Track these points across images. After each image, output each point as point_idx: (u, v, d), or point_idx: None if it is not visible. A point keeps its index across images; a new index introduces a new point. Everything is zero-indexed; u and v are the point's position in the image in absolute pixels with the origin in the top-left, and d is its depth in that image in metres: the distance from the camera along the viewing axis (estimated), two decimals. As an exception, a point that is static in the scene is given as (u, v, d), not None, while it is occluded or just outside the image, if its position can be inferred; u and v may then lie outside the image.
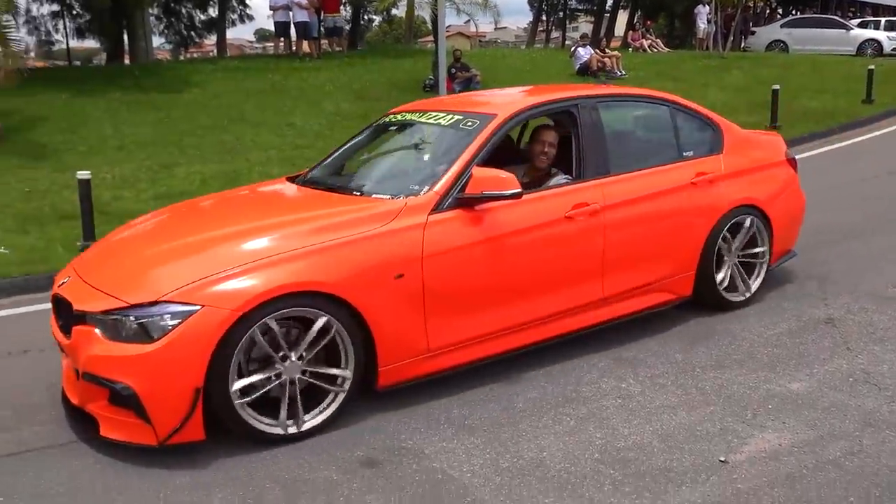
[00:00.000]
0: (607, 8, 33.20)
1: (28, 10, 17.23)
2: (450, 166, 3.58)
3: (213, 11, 21.33)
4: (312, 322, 3.05)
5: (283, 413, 3.06)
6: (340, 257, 3.16)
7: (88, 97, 12.67)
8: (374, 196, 3.61)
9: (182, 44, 22.40)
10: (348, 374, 3.17)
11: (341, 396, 3.18)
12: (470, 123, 3.84)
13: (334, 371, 3.16)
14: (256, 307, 2.93)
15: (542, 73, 16.46)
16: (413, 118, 4.35)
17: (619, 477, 2.75)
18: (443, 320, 3.45)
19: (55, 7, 17.10)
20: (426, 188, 3.51)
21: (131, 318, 2.88)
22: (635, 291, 4.14)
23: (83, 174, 6.53)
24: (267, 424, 3.03)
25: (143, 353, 2.84)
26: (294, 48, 16.89)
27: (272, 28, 17.90)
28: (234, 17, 21.84)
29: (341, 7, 18.95)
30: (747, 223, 4.48)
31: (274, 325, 2.98)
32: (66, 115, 11.51)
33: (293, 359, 3.07)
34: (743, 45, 21.80)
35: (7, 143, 9.98)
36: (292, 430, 3.08)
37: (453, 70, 14.03)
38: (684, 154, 4.45)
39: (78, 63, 24.23)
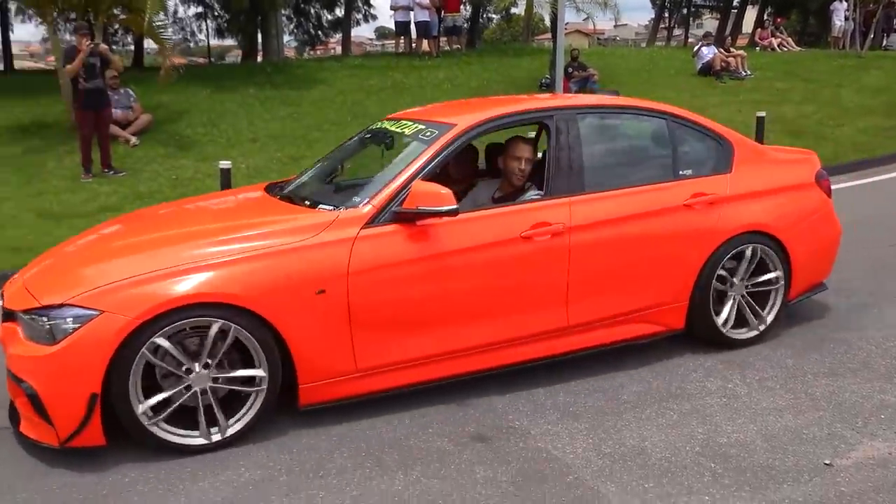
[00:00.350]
0: (734, 5, 31.87)
1: (175, 12, 18.88)
2: (394, 179, 3.41)
3: (339, 11, 22.36)
4: (224, 331, 3.01)
5: (202, 424, 3.03)
6: (254, 269, 3.07)
7: (227, 93, 13.64)
8: (318, 207, 3.49)
9: (309, 42, 23.57)
10: (262, 372, 3.08)
11: (262, 396, 3.11)
12: (429, 134, 3.66)
13: (249, 372, 3.10)
14: (157, 316, 2.88)
15: (661, 72, 16.13)
16: (389, 127, 4.12)
17: (719, 470, 2.84)
18: (373, 340, 3.30)
19: (199, 9, 18.61)
20: (365, 200, 3.36)
21: (43, 318, 2.90)
22: (610, 321, 3.82)
23: (224, 164, 7.14)
24: (181, 436, 3.02)
25: (45, 355, 2.86)
26: (413, 46, 17.42)
27: (392, 26, 18.49)
28: (359, 16, 22.80)
29: (461, 6, 19.30)
30: (750, 252, 4.01)
31: (169, 341, 2.95)
32: (207, 110, 12.47)
33: (197, 370, 3.02)
34: (884, 43, 20.38)
35: (156, 135, 10.97)
36: (216, 437, 3.06)
37: (570, 69, 14.05)
38: (680, 173, 4.03)
39: (212, 60, 26.10)
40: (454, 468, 2.91)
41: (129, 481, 2.85)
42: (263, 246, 3.15)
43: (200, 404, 3.03)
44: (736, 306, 4.06)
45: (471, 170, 4.56)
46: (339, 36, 23.83)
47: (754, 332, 4.10)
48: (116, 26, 11.10)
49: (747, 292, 4.09)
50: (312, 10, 22.45)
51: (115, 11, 10.59)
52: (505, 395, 3.55)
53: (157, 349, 2.93)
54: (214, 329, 2.97)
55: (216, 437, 3.07)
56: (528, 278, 3.56)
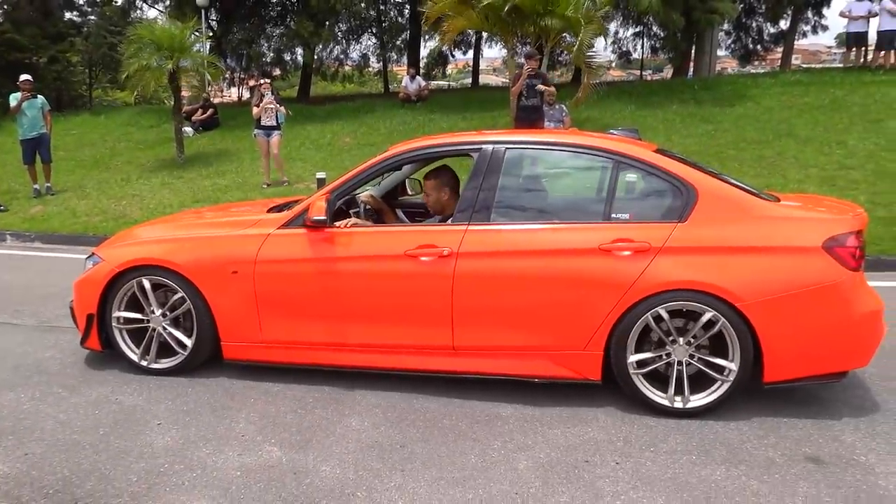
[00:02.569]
0: None
1: (616, 33, 20.31)
2: (315, 193, 4.17)
3: (784, 24, 21.16)
4: (175, 290, 4.15)
5: (141, 351, 4.26)
6: (195, 247, 4.16)
7: (651, 109, 14.31)
8: (270, 214, 4.37)
9: (747, 57, 22.82)
10: (178, 334, 4.22)
11: (191, 349, 4.18)
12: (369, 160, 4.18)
13: (177, 333, 4.23)
14: (128, 268, 4.17)
15: None
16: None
17: None
18: (274, 319, 4.03)
19: (638, 29, 19.73)
20: (291, 208, 4.19)
21: (87, 261, 4.49)
22: (502, 352, 3.79)
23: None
24: (135, 354, 4.28)
25: (75, 282, 4.38)
26: (869, 60, 15.65)
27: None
28: (807, 28, 21.20)
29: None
30: (701, 311, 3.47)
31: (147, 285, 4.19)
32: (629, 125, 13.30)
33: (156, 313, 4.23)
34: None
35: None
36: (145, 363, 4.26)
37: None
38: (613, 216, 3.70)
39: (649, 72, 27.05)
40: (779, 478, 3.04)
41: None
42: (209, 234, 4.31)
43: (154, 336, 4.30)
44: (675, 372, 3.60)
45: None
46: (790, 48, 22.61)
47: (676, 405, 3.60)
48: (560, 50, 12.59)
49: (692, 361, 3.60)
50: (754, 24, 21.74)
51: (563, 36, 12.05)
52: (858, 429, 3.45)
53: (138, 285, 4.22)
54: (170, 287, 4.20)
55: (154, 364, 4.32)
56: (411, 293, 3.82)
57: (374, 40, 23.04)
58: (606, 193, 3.78)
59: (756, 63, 25.06)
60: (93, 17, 25.24)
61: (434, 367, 3.91)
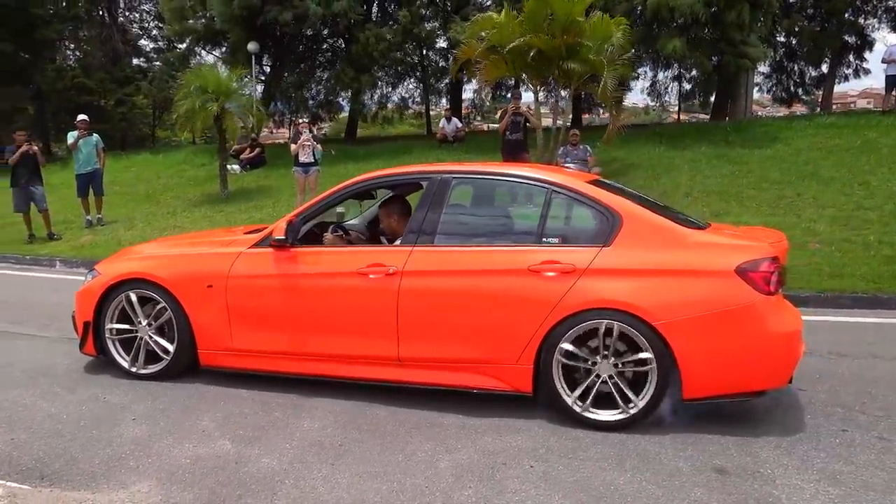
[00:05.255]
0: None
1: (655, 76, 20.63)
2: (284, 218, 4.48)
3: (825, 67, 21.01)
4: (157, 301, 4.60)
5: (131, 358, 4.69)
6: (176, 264, 4.66)
7: (680, 150, 14.44)
8: (246, 237, 4.76)
9: (786, 100, 22.68)
10: (163, 342, 4.64)
11: (172, 356, 4.60)
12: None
13: (163, 341, 4.64)
14: (120, 281, 4.67)
15: None
16: None
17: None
18: (243, 329, 4.43)
19: (670, 72, 19.99)
20: (263, 230, 4.60)
21: (87, 274, 5.06)
22: (442, 364, 4.08)
23: None
24: (126, 360, 4.70)
25: (76, 293, 4.90)
26: (907, 103, 15.43)
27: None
28: (848, 71, 20.98)
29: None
30: (612, 330, 3.73)
31: (134, 298, 4.64)
32: (654, 165, 13.47)
33: (143, 324, 4.64)
34: None
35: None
36: (134, 369, 4.68)
37: None
38: (544, 240, 4.03)
39: (689, 115, 27.10)
40: (677, 483, 3.23)
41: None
42: (192, 251, 4.88)
43: (142, 346, 4.69)
44: (597, 385, 3.82)
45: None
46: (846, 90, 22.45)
47: (623, 416, 3.79)
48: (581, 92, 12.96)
49: (617, 373, 3.80)
50: (795, 67, 21.64)
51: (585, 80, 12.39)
52: (778, 447, 3.59)
53: (126, 299, 4.69)
54: (153, 300, 4.63)
55: (134, 369, 4.72)
56: (361, 308, 4.18)
57: (415, 84, 23.90)
58: (539, 219, 4.10)
59: (798, 106, 24.85)
60: (158, 63, 27.00)
61: (382, 377, 4.23)
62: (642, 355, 3.74)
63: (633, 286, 3.77)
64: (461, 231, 4.31)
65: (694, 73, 19.42)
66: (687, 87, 21.17)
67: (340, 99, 22.82)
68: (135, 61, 28.70)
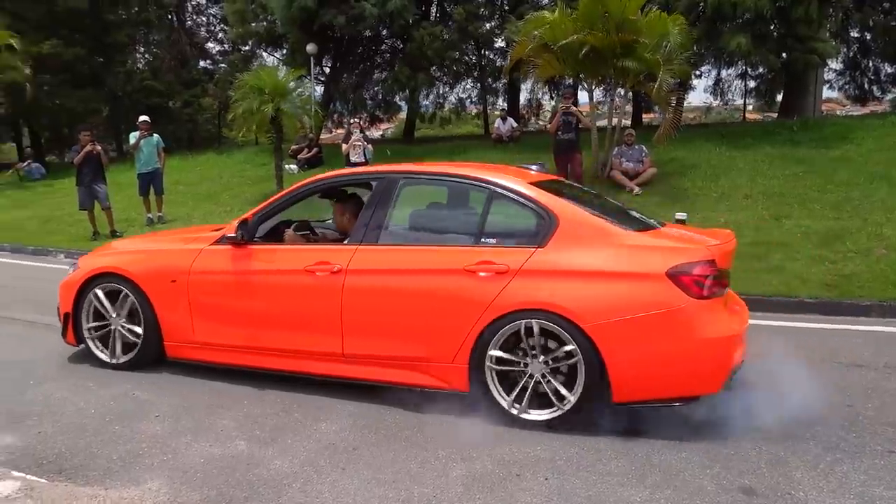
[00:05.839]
0: None
1: (718, 75, 19.88)
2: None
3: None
4: (122, 292, 4.82)
5: (111, 349, 4.89)
6: (145, 259, 4.89)
7: (741, 150, 13.89)
8: (210, 234, 4.92)
9: (860, 98, 21.51)
10: (139, 330, 4.79)
11: (140, 347, 4.81)
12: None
13: (136, 328, 4.80)
14: (93, 276, 4.89)
15: None
16: None
17: None
18: (203, 322, 4.60)
19: (734, 70, 19.26)
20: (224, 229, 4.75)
21: (70, 267, 5.30)
22: (383, 361, 4.16)
23: (680, 215, 7.69)
24: (105, 354, 4.92)
25: (59, 284, 5.12)
26: None
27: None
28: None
29: None
30: (538, 329, 3.74)
31: (101, 294, 4.87)
32: (714, 165, 12.98)
33: (114, 315, 4.86)
34: None
35: (658, 187, 12.06)
36: (114, 361, 4.89)
37: None
38: (483, 240, 4.07)
39: (757, 113, 26.05)
40: (699, 502, 3.04)
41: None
42: (160, 247, 5.16)
43: (116, 337, 4.90)
44: (532, 385, 3.80)
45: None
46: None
47: (555, 414, 3.77)
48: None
49: (549, 373, 3.78)
50: (871, 64, 20.50)
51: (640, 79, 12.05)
52: (815, 467, 3.35)
53: (95, 297, 4.91)
54: (124, 293, 4.83)
55: (114, 361, 4.91)
56: (308, 305, 4.29)
57: (472, 84, 23.76)
58: (479, 219, 4.16)
59: (878, 105, 23.57)
60: (223, 65, 27.79)
61: (329, 373, 4.33)
62: (571, 358, 3.72)
63: (564, 287, 3.76)
64: (405, 230, 4.45)
65: (760, 70, 18.67)
66: (752, 85, 20.40)
67: (398, 99, 22.89)
68: (201, 64, 29.62)
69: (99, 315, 4.96)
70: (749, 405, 3.92)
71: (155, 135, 12.80)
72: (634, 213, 4.52)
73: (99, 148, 11.69)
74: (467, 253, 4.02)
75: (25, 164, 22.04)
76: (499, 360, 3.86)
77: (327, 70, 22.92)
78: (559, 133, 11.34)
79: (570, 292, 3.73)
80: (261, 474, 3.33)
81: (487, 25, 20.22)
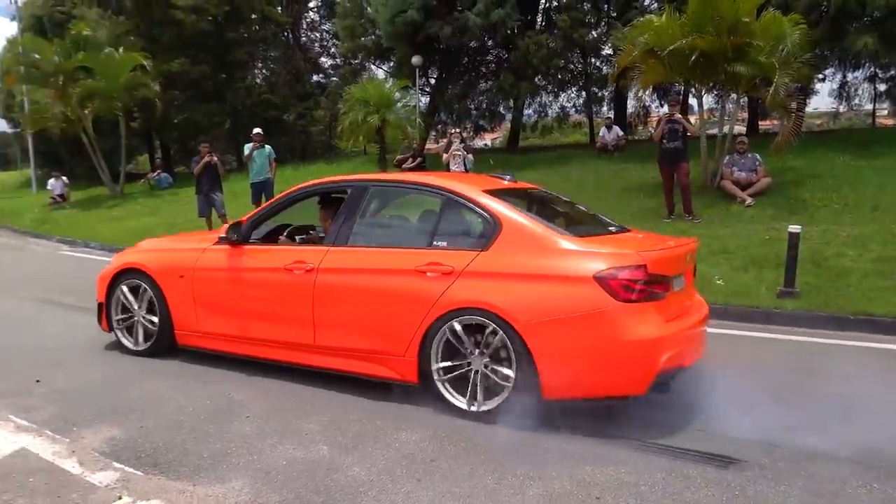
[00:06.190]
0: None
1: (843, 78, 18.51)
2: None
3: None
4: (141, 286, 5.47)
5: (135, 338, 5.53)
6: (160, 257, 5.57)
7: (867, 158, 12.91)
8: (215, 235, 5.49)
9: None
10: (156, 319, 5.39)
11: (156, 336, 5.41)
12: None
13: (153, 318, 5.42)
14: (120, 271, 5.59)
15: None
16: None
17: None
18: (204, 314, 5.17)
19: (862, 72, 17.85)
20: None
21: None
22: (348, 353, 4.53)
23: (794, 228, 7.23)
24: (130, 342, 5.57)
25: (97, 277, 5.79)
26: None
27: None
28: None
29: None
30: (485, 329, 4.03)
31: (127, 286, 5.52)
32: (837, 175, 12.11)
33: (136, 308, 5.50)
34: None
35: (773, 197, 11.38)
36: (137, 348, 5.51)
37: None
38: (434, 243, 4.39)
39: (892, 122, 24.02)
40: None
41: (544, 446, 3.75)
42: (174, 246, 5.83)
43: (141, 327, 5.55)
44: (472, 376, 4.09)
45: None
46: None
47: (474, 408, 4.08)
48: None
49: (488, 367, 4.05)
50: None
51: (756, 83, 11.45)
52: None
53: (121, 292, 5.57)
54: (143, 287, 5.46)
55: (140, 348, 5.55)
56: (287, 299, 4.77)
57: (577, 92, 23.37)
58: (434, 223, 4.52)
59: None
60: (335, 78, 28.80)
61: (305, 362, 4.78)
62: (503, 354, 3.99)
63: (500, 289, 4.03)
64: (370, 233, 4.85)
65: (893, 72, 17.26)
66: (883, 88, 18.84)
67: (502, 108, 22.88)
68: (314, 77, 30.85)
69: (125, 308, 5.61)
70: (868, 442, 3.60)
71: (267, 146, 13.39)
72: (603, 219, 4.97)
73: (216, 159, 12.38)
74: (419, 255, 4.36)
75: (155, 173, 23.72)
76: (444, 356, 4.18)
77: (433, 81, 23.28)
78: (664, 141, 10.94)
79: (506, 293, 4.00)
80: (338, 480, 3.37)
81: (593, 33, 19.86)
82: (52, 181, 21.94)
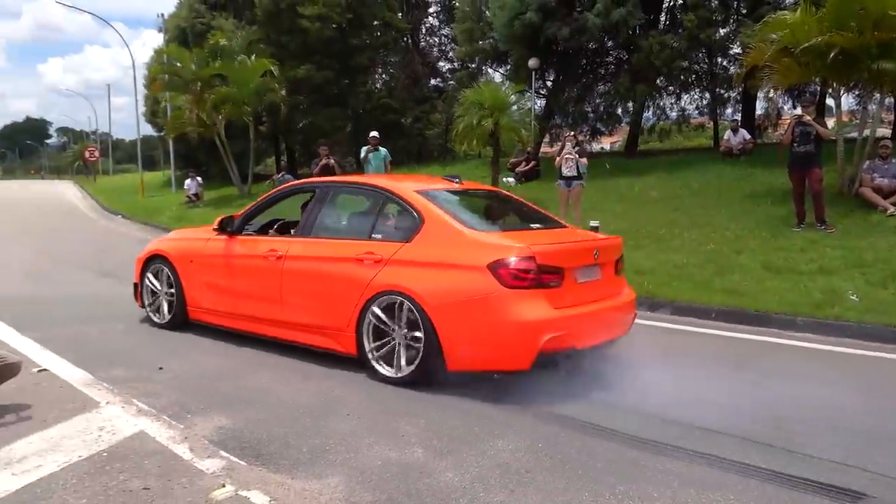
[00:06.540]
0: None
1: None
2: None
3: None
4: (163, 269, 6.53)
5: (161, 314, 6.60)
6: (178, 244, 6.63)
7: None
8: None
9: None
10: (172, 291, 6.42)
11: (174, 311, 6.43)
12: None
13: (169, 290, 6.49)
14: (150, 256, 6.65)
15: None
16: None
17: None
18: (208, 293, 6.11)
19: None
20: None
21: None
22: (306, 328, 5.38)
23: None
24: (158, 317, 6.62)
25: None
26: None
27: None
28: None
29: None
30: (403, 308, 4.74)
31: (156, 268, 6.60)
32: None
33: (158, 287, 6.55)
34: None
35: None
36: (161, 321, 6.54)
37: None
38: (373, 235, 5.20)
39: None
40: None
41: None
42: (190, 235, 6.93)
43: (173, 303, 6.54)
44: (390, 348, 4.85)
45: None
46: None
47: (393, 374, 4.81)
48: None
49: (405, 342, 4.76)
50: None
51: None
52: None
53: (148, 279, 6.67)
54: (164, 269, 6.53)
55: (162, 321, 6.62)
56: (263, 281, 5.63)
57: (700, 94, 22.30)
58: (374, 218, 5.37)
59: None
60: (451, 82, 29.08)
61: (278, 336, 5.61)
62: (416, 331, 4.68)
63: (416, 275, 4.74)
64: (327, 226, 5.65)
65: None
66: None
67: (620, 111, 22.26)
68: (432, 82, 31.27)
69: (153, 292, 6.64)
70: None
71: (382, 149, 13.71)
72: (539, 215, 5.71)
73: (332, 161, 12.82)
74: (360, 245, 5.14)
75: (280, 175, 24.89)
76: (374, 330, 4.93)
77: (549, 84, 23.01)
78: (794, 145, 10.23)
79: (420, 279, 4.71)
80: (431, 485, 3.34)
81: (721, 31, 18.92)
82: (188, 181, 23.55)
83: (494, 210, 5.81)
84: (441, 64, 32.58)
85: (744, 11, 18.18)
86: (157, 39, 38.31)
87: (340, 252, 5.21)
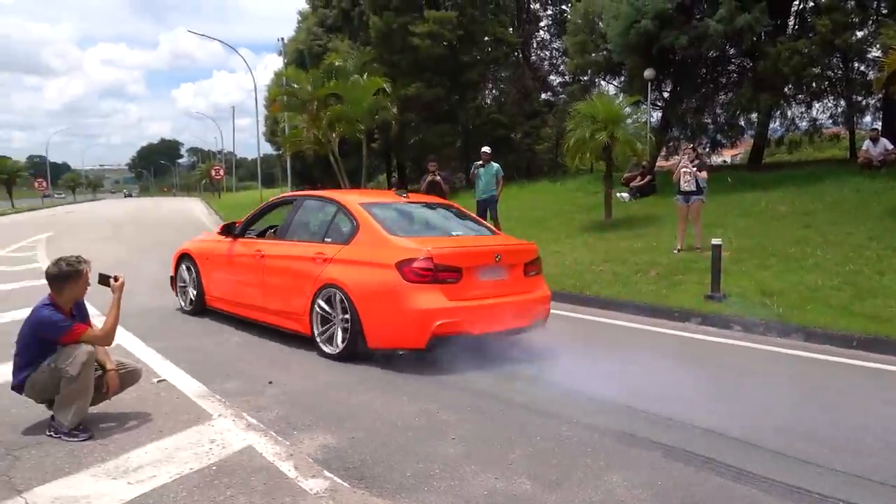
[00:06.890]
0: None
1: None
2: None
3: None
4: (188, 268, 8.13)
5: (187, 302, 8.20)
6: (200, 245, 8.25)
7: None
8: None
9: None
10: (195, 293, 8.04)
11: (196, 299, 8.02)
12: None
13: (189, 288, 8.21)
14: (181, 254, 8.29)
15: None
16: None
17: None
18: (217, 283, 7.66)
19: None
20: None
21: None
22: (278, 313, 6.66)
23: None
24: (184, 303, 8.26)
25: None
26: None
27: None
28: None
29: None
30: (337, 297, 5.94)
31: (186, 263, 8.19)
32: None
33: (187, 281, 8.15)
34: None
35: None
36: (187, 308, 8.13)
37: None
38: (326, 239, 6.46)
39: None
40: None
41: None
42: (208, 238, 8.40)
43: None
44: (332, 329, 6.04)
45: None
46: None
47: (334, 351, 5.98)
48: None
49: (341, 325, 5.95)
50: None
51: None
52: None
53: (178, 272, 8.34)
54: (189, 265, 8.10)
55: (187, 308, 8.26)
56: (252, 275, 7.01)
57: (834, 102, 20.73)
58: (328, 225, 6.61)
59: None
60: (563, 96, 28.67)
61: (263, 320, 6.90)
62: (347, 315, 5.83)
63: (348, 271, 5.92)
64: (295, 231, 6.90)
65: None
66: None
67: (742, 122, 21.10)
68: (542, 96, 30.98)
69: (182, 283, 8.18)
70: None
71: (494, 164, 13.58)
72: (469, 225, 6.87)
73: (439, 177, 12.81)
74: (315, 246, 6.40)
75: (396, 191, 25.34)
76: (321, 316, 6.07)
77: (665, 95, 22.19)
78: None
79: (350, 274, 5.89)
80: (539, 521, 3.12)
81: (858, 34, 17.55)
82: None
83: (428, 219, 6.87)
84: (552, 78, 32.30)
85: (884, 11, 16.80)
86: (277, 63, 40.28)
87: (301, 252, 6.48)
